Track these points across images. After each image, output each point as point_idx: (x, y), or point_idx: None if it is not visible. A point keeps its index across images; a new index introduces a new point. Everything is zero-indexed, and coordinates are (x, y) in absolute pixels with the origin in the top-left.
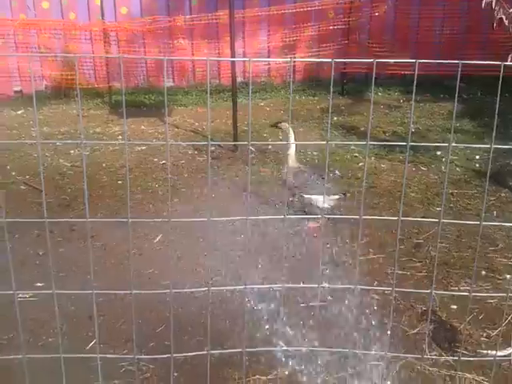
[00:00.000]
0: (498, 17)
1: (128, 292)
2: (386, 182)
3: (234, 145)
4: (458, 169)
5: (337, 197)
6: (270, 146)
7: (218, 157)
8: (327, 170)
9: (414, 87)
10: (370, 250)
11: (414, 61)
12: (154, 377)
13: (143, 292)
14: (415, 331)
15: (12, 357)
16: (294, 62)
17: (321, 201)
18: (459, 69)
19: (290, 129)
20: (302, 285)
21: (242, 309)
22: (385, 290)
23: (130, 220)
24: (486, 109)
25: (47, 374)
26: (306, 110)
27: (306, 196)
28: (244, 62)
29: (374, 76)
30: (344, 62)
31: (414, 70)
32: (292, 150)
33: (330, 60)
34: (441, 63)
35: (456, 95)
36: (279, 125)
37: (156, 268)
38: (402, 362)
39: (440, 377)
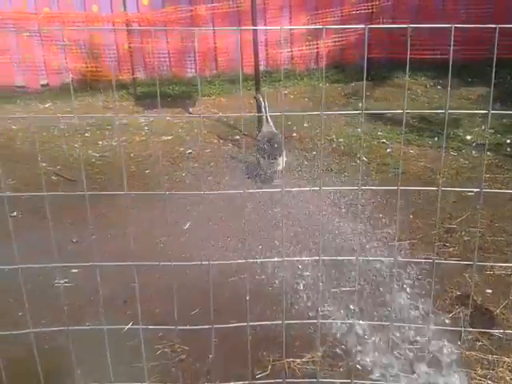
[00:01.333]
0: None
1: (156, 263)
2: (415, 168)
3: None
4: (488, 153)
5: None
6: (294, 134)
7: (242, 145)
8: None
9: (450, 65)
10: (401, 235)
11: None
12: (190, 358)
13: (173, 264)
14: (450, 315)
15: (56, 329)
16: (317, 47)
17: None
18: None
19: (261, 99)
20: (339, 257)
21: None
22: (425, 263)
23: (167, 193)
24: None
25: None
26: (330, 97)
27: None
28: (266, 49)
29: (408, 57)
30: (369, 47)
31: (447, 54)
32: (264, 117)
33: (362, 26)
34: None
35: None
36: (256, 96)
37: (188, 252)
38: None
39: (477, 361)
